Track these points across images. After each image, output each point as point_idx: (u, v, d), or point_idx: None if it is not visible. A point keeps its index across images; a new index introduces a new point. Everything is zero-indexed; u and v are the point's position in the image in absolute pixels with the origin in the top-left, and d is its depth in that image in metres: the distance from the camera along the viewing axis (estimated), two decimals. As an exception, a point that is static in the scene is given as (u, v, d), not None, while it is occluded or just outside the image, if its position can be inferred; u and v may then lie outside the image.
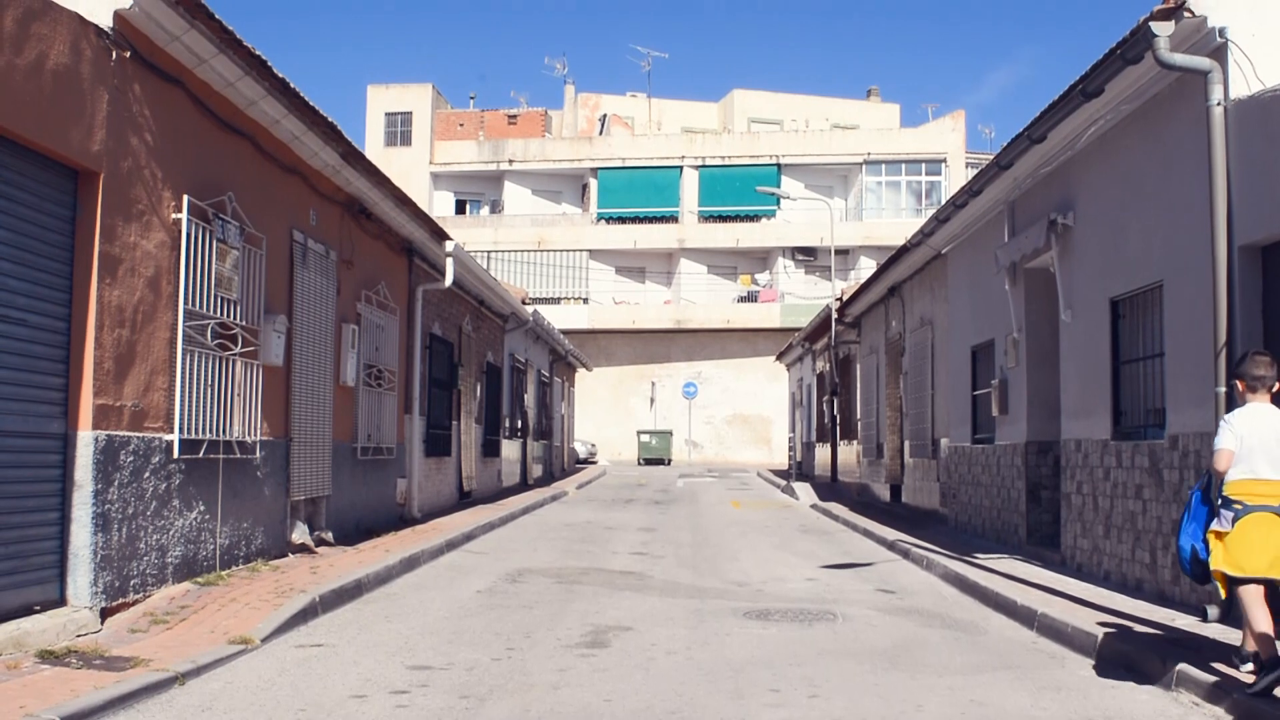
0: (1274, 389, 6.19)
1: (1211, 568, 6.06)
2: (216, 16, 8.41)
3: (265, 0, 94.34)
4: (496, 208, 50.47)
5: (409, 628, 8.18)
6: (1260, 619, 5.82)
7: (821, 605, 9.47)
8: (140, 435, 8.04)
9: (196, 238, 8.88)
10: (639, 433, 45.80)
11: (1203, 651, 6.80)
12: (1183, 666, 6.43)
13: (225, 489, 9.57)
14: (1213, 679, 6.15)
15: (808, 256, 47.67)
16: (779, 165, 47.96)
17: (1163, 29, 8.14)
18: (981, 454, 14.40)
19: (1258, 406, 6.14)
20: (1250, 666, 6.08)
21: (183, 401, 8.64)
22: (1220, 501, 6.05)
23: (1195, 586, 8.12)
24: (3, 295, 6.72)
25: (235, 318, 9.66)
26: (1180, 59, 8.20)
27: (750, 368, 48.17)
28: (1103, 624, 7.81)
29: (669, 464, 44.45)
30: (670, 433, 46.14)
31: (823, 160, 48.33)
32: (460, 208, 51.29)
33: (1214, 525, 6.07)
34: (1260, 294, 7.86)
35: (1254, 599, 5.87)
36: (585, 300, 48.12)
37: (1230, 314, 7.80)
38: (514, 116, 51.36)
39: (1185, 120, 8.66)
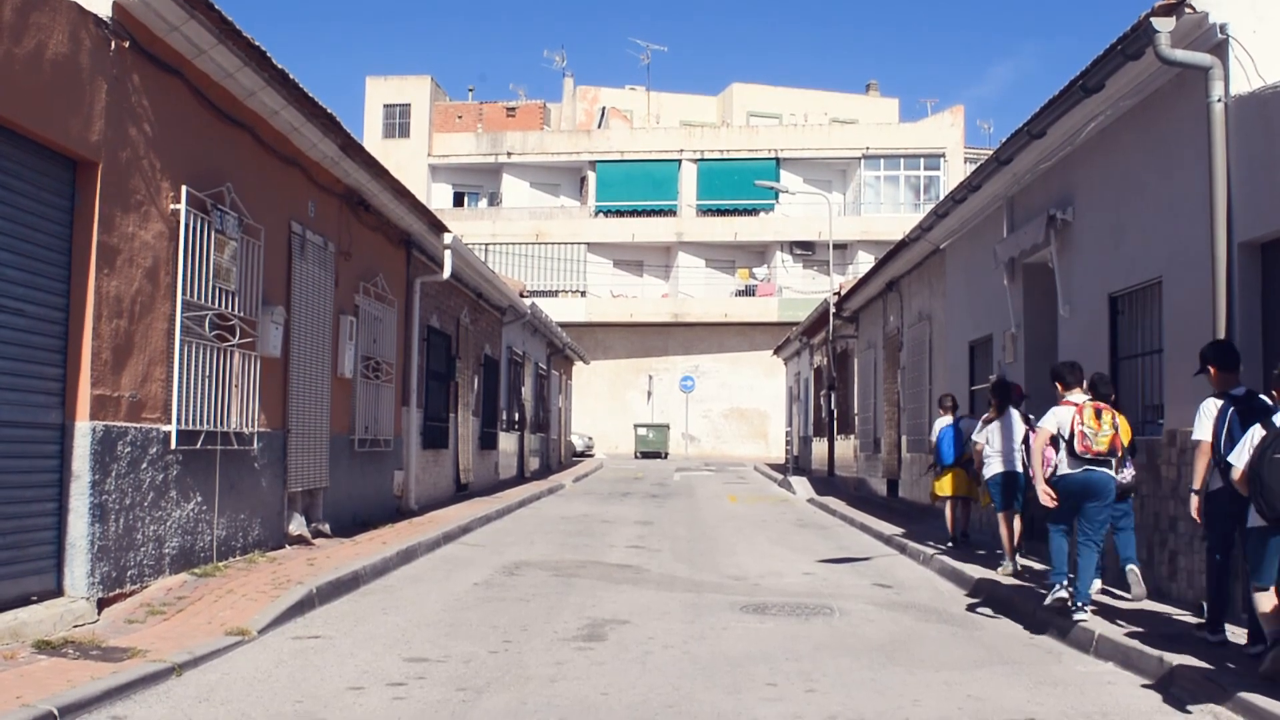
0: (958, 409, 13.13)
1: (935, 493, 12.97)
2: (216, 7, 8.39)
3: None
4: (494, 200, 50.35)
5: (406, 620, 8.18)
6: (951, 514, 12.70)
7: (818, 600, 9.48)
8: (138, 426, 8.04)
9: (195, 228, 8.87)
10: (636, 426, 45.77)
11: (1197, 648, 6.83)
12: (1178, 662, 6.45)
13: (222, 480, 9.56)
14: (1207, 674, 6.16)
15: (806, 251, 47.57)
16: (777, 159, 47.87)
17: (1164, 25, 8.14)
18: (979, 449, 14.38)
19: (947, 417, 12.76)
20: (949, 544, 12.32)
21: (180, 392, 8.63)
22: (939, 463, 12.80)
23: (1191, 585, 8.49)
24: (1, 285, 6.71)
25: (233, 309, 9.64)
26: (1181, 55, 8.20)
27: (747, 362, 48.13)
28: (1099, 619, 7.82)
29: (666, 457, 44.45)
30: (667, 426, 46.14)
31: (821, 154, 48.23)
32: (458, 200, 51.17)
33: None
34: (1259, 291, 7.87)
35: (952, 506, 12.68)
36: (583, 293, 48.05)
37: (1230, 310, 7.82)
38: (512, 109, 51.20)
39: (1186, 117, 8.65)
